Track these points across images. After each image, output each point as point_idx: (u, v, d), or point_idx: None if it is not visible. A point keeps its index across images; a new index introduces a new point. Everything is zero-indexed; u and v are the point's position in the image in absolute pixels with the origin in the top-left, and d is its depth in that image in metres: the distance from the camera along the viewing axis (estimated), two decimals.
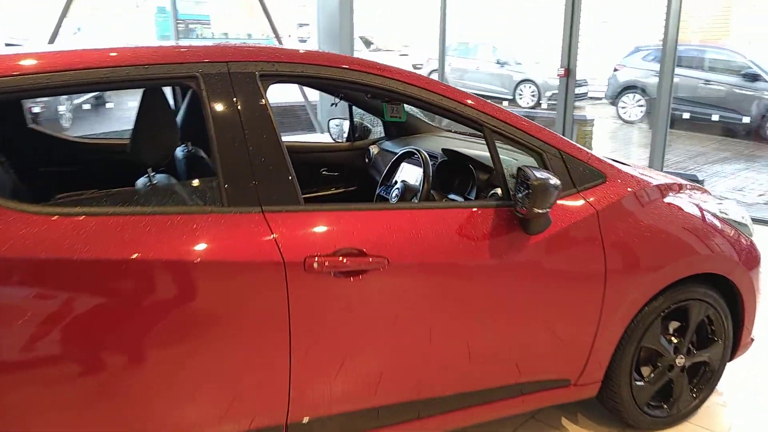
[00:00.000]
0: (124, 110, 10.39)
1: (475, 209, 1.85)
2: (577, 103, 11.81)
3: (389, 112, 2.43)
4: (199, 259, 1.50)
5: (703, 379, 2.36)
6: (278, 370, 1.63)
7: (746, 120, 9.27)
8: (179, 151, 2.44)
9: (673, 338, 2.24)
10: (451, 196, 2.35)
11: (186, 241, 1.50)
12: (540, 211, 1.73)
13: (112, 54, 1.58)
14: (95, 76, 1.53)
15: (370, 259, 1.65)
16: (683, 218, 2.15)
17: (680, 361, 2.25)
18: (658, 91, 5.65)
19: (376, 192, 2.59)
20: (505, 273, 1.87)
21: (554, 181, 1.72)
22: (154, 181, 1.84)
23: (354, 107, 3.16)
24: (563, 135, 2.02)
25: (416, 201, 2.23)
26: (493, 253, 1.83)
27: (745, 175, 7.52)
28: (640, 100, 10.98)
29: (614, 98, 11.36)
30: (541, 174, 1.73)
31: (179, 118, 2.49)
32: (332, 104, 2.90)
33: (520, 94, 12.39)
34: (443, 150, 2.47)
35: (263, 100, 1.67)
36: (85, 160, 2.66)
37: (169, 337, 1.51)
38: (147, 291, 1.48)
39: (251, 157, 1.62)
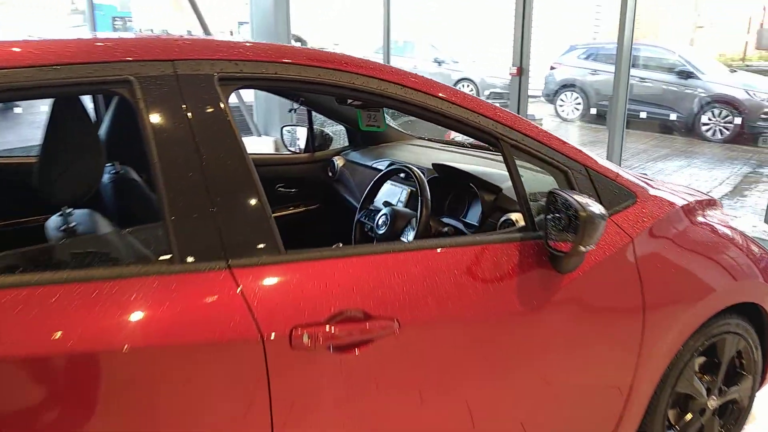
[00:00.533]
0: (35, 114, 9.39)
1: (496, 244, 1.47)
2: None
3: (365, 120, 2.01)
4: (141, 345, 1.05)
5: (732, 418, 2.09)
6: None
7: (681, 117, 9.44)
8: (105, 177, 1.94)
9: (705, 378, 1.95)
10: (445, 220, 1.97)
11: (120, 320, 1.04)
12: (587, 248, 1.37)
13: (5, 51, 1.10)
14: None
15: (377, 324, 1.24)
16: (718, 242, 1.86)
17: (712, 403, 1.96)
18: (614, 91, 5.50)
19: (356, 218, 2.16)
20: (534, 321, 1.50)
21: (600, 209, 1.37)
22: (72, 224, 1.35)
23: (314, 112, 2.72)
24: (578, 147, 1.68)
25: (412, 232, 1.83)
26: (521, 299, 1.46)
27: (688, 172, 7.57)
28: (577, 98, 11.04)
29: (552, 96, 11.38)
30: (585, 201, 1.37)
31: (103, 131, 1.98)
32: (290, 110, 2.45)
33: None
34: (434, 165, 2.08)
35: (225, 112, 1.22)
36: None
37: None
38: (63, 396, 1.02)
39: (211, 191, 1.17)
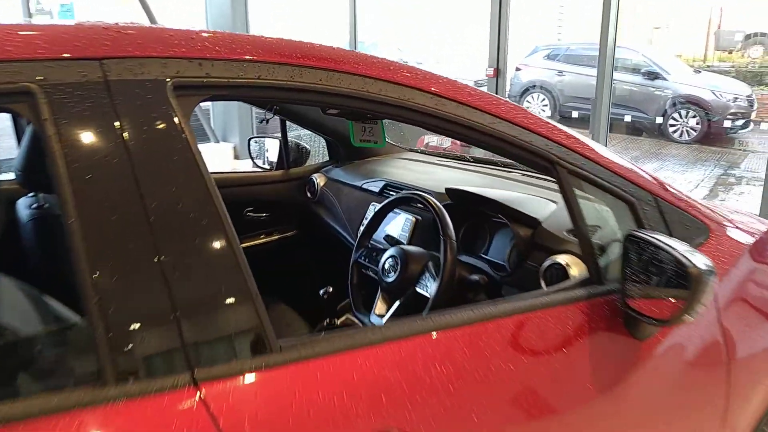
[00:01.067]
0: None
1: (561, 306, 1.09)
2: None
3: (359, 134, 1.60)
4: None
5: None
6: None
7: (649, 118, 9.35)
8: (23, 208, 1.49)
9: None
10: (467, 260, 1.58)
11: None
12: (693, 317, 1.01)
13: None
14: None
15: None
16: None
17: None
18: (597, 95, 5.25)
19: (353, 258, 1.73)
20: (611, 403, 1.14)
21: (707, 261, 1.01)
22: None
23: (289, 123, 2.30)
24: (644, 171, 1.32)
25: (431, 280, 1.43)
26: (596, 381, 1.09)
27: (662, 175, 7.42)
28: (543, 99, 10.89)
29: (518, 98, 11.20)
30: (683, 248, 1.01)
31: (20, 152, 1.52)
32: (261, 120, 2.03)
33: None
34: (447, 190, 1.68)
35: (184, 138, 0.81)
36: None
37: None
38: None
39: (164, 260, 0.76)
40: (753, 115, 8.87)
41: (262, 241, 2.25)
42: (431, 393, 0.88)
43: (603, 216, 1.28)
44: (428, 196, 1.50)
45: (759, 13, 11.08)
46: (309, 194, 2.31)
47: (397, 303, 1.44)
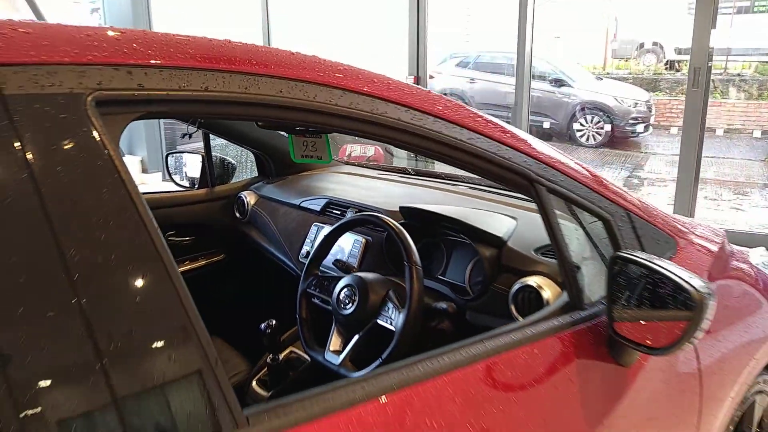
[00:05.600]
0: None
1: (542, 339, 0.99)
2: None
3: (300, 150, 1.43)
4: None
5: None
6: None
7: (557, 123, 9.72)
8: None
9: None
10: (429, 285, 1.45)
11: None
12: (693, 343, 0.93)
13: None
14: None
15: None
16: (754, 291, 1.53)
17: None
18: (516, 102, 5.34)
19: (300, 288, 1.52)
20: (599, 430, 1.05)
21: (706, 284, 0.94)
22: None
23: (212, 135, 2.09)
24: (617, 187, 1.25)
25: (395, 311, 1.28)
26: (586, 414, 1.00)
27: None
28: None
29: None
30: (683, 273, 0.93)
31: None
32: (184, 135, 1.81)
33: None
34: (402, 209, 1.54)
35: (114, 166, 0.62)
36: None
37: None
38: None
39: (92, 317, 0.57)
40: (652, 119, 9.44)
41: (187, 268, 2.02)
42: None
43: (572, 234, 1.20)
44: (386, 218, 1.36)
45: (651, 23, 11.84)
46: (238, 214, 2.11)
47: (356, 337, 1.29)
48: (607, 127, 9.37)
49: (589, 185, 1.13)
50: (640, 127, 9.29)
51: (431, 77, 11.77)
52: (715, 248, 1.43)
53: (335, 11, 6.50)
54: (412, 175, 2.04)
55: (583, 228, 1.16)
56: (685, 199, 4.42)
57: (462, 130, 0.94)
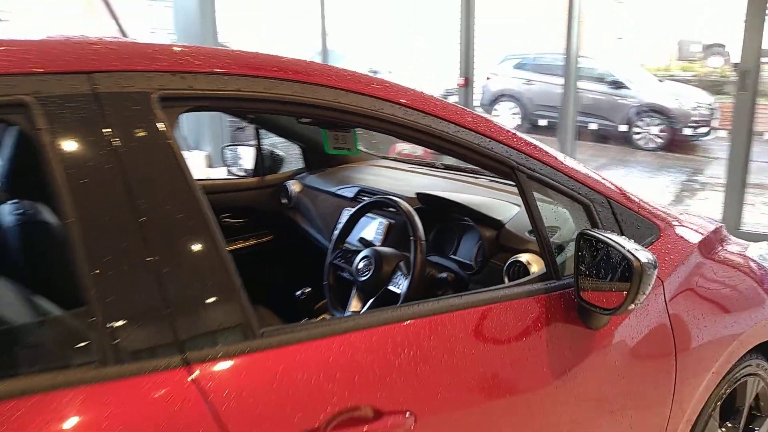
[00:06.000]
0: None
1: (521, 299, 1.18)
2: None
3: (332, 143, 1.68)
4: None
5: None
6: None
7: (614, 126, 9.61)
8: (6, 214, 1.52)
9: (727, 427, 1.73)
10: (436, 260, 1.66)
11: None
12: (637, 305, 1.10)
13: None
14: None
15: (389, 422, 0.93)
16: (741, 278, 1.65)
17: None
18: (563, 102, 5.42)
19: (328, 260, 1.81)
20: (567, 387, 1.23)
21: (650, 256, 1.11)
22: None
23: (262, 130, 2.36)
24: (598, 176, 1.42)
25: (403, 278, 1.51)
26: (553, 367, 1.19)
27: (628, 181, 7.63)
28: (513, 108, 11.08)
29: (489, 106, 11.38)
30: (629, 244, 1.11)
31: (2, 158, 1.56)
32: (237, 129, 2.08)
33: None
34: (419, 195, 1.77)
35: (171, 146, 0.88)
36: None
37: None
38: None
39: (155, 256, 0.83)
40: (715, 123, 9.18)
41: (238, 246, 2.30)
42: (400, 374, 0.96)
43: (562, 217, 1.38)
44: (399, 200, 1.59)
45: (717, 24, 11.48)
46: (284, 200, 2.37)
47: (370, 301, 1.52)
48: (667, 131, 9.20)
49: (568, 173, 1.31)
50: (701, 131, 9.07)
51: (488, 78, 11.85)
52: (700, 237, 1.57)
53: (393, 16, 6.74)
54: (439, 168, 2.25)
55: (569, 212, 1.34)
56: (734, 204, 4.39)
57: (448, 124, 1.15)
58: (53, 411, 0.72)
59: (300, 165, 2.51)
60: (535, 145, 1.29)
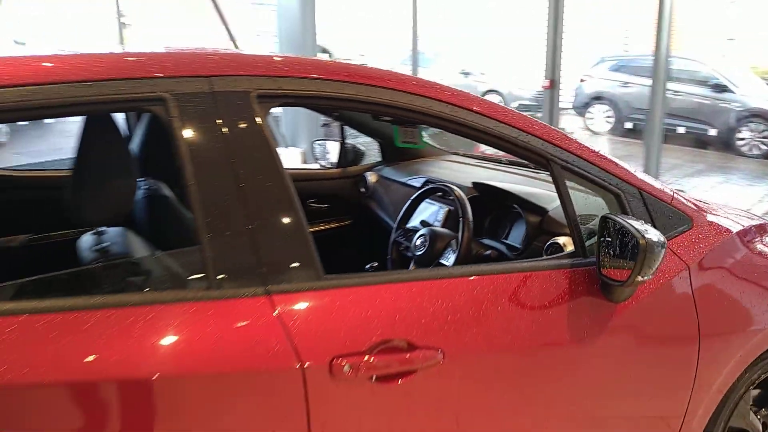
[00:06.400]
0: (65, 122, 9.55)
1: (547, 271, 1.39)
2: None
3: (402, 137, 1.95)
4: (179, 373, 0.99)
5: None
6: None
7: (717, 131, 9.21)
8: (138, 194, 1.90)
9: (761, 412, 1.83)
10: (486, 242, 1.88)
11: (157, 347, 0.99)
12: (645, 278, 1.28)
13: (35, 66, 1.06)
14: (7, 98, 1.00)
15: (421, 354, 1.17)
16: None
17: None
18: (651, 105, 5.37)
19: (392, 238, 2.09)
20: (583, 353, 1.41)
21: (660, 237, 1.28)
22: (105, 243, 1.31)
23: (345, 126, 2.67)
24: (631, 168, 1.59)
25: (452, 254, 1.75)
26: (571, 330, 1.38)
27: (724, 188, 7.35)
28: (607, 110, 10.85)
29: (582, 109, 11.21)
30: (643, 227, 1.28)
31: (134, 145, 1.95)
32: (324, 124, 2.40)
33: None
34: (474, 184, 2.00)
35: (263, 131, 1.17)
36: (13, 199, 2.08)
37: None
38: (104, 422, 0.96)
39: (249, 213, 1.12)
40: None
41: (321, 228, 2.62)
42: (433, 319, 1.20)
43: (598, 206, 1.56)
44: (454, 187, 1.83)
45: None
46: (362, 190, 2.66)
47: None
48: None
49: (600, 165, 1.49)
50: None
51: (582, 80, 11.66)
52: (737, 228, 1.69)
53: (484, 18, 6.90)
54: (502, 163, 2.46)
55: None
56: None
57: (490, 120, 1.37)
58: (176, 315, 1.03)
59: (378, 158, 2.79)
60: (569, 138, 1.48)
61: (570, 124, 10.83)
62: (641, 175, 1.59)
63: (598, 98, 11.07)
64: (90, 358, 0.95)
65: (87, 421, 0.97)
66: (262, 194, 1.15)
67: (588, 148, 1.51)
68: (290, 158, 7.32)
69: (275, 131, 8.23)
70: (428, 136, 2.90)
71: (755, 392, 1.84)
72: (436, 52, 12.91)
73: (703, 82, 9.59)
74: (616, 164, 1.54)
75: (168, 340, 1.01)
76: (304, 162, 7.51)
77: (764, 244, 1.77)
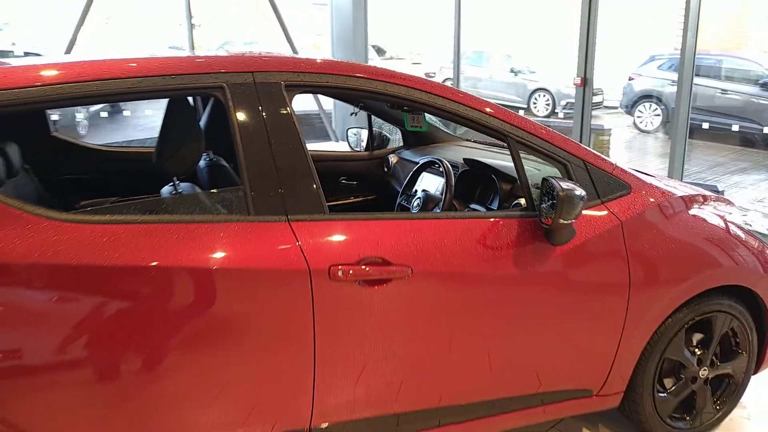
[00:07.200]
0: (139, 118, 10.50)
1: (498, 219, 1.84)
2: (593, 113, 11.67)
3: (410, 122, 2.43)
4: (225, 267, 1.51)
5: (727, 392, 2.32)
6: (303, 376, 1.63)
7: (765, 130, 9.17)
8: (201, 161, 2.46)
9: (696, 350, 2.21)
10: (473, 206, 2.34)
11: (212, 248, 1.51)
12: (565, 221, 1.72)
13: (137, 64, 1.60)
14: (121, 86, 1.55)
15: (394, 268, 1.65)
16: (707, 230, 2.13)
17: (704, 373, 2.22)
18: (677, 101, 5.61)
19: (397, 201, 2.59)
20: (528, 283, 1.86)
21: (580, 191, 1.72)
22: (179, 190, 1.85)
23: (373, 116, 3.17)
24: (580, 144, 2.01)
25: (438, 211, 2.23)
26: (516, 264, 1.82)
27: (765, 186, 7.43)
28: (656, 109, 10.90)
29: (630, 107, 11.30)
30: (566, 185, 1.72)
31: (201, 123, 2.51)
32: (352, 113, 2.91)
33: (535, 103, 12.38)
34: (464, 160, 2.46)
35: (288, 110, 1.68)
36: (108, 168, 2.68)
37: (196, 343, 1.52)
38: (174, 298, 1.49)
39: (277, 167, 1.63)
40: None
41: (350, 201, 3.13)
42: (405, 245, 1.68)
43: (550, 173, 1.99)
44: (444, 161, 2.30)
45: None
46: (385, 169, 3.16)
47: None
48: None
49: (550, 140, 1.92)
50: None
51: (631, 79, 11.73)
52: (673, 195, 2.09)
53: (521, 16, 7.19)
54: (502, 148, 2.89)
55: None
56: None
57: (459, 105, 1.83)
58: (228, 229, 1.54)
59: (400, 144, 3.27)
60: (526, 120, 1.93)
61: (617, 122, 10.94)
62: (588, 150, 2.01)
63: (647, 97, 11.12)
64: (171, 251, 1.48)
65: (163, 292, 1.49)
66: (287, 155, 1.65)
67: (541, 127, 1.95)
68: (339, 149, 7.91)
69: (327, 127, 8.88)
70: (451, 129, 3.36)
71: (698, 336, 2.22)
72: (488, 52, 13.24)
73: (753, 81, 9.57)
74: (566, 140, 1.97)
75: (221, 244, 1.53)
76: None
77: (695, 211, 2.16)
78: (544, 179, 1.81)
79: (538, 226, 1.85)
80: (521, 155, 1.91)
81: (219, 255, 1.52)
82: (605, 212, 1.95)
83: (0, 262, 1.34)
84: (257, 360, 1.58)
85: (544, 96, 12.42)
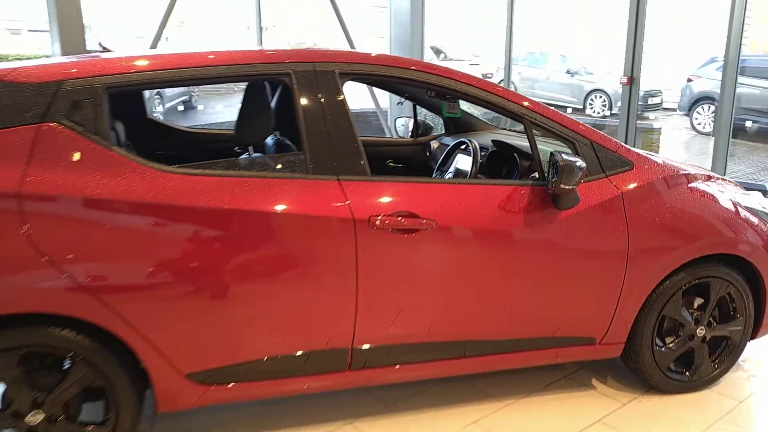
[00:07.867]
0: (209, 113, 11.29)
1: (513, 186, 2.20)
2: (650, 113, 11.59)
3: (447, 109, 2.81)
4: (288, 212, 1.95)
5: (725, 352, 2.59)
6: (348, 304, 2.05)
7: None
8: (269, 140, 2.92)
9: (695, 312, 2.49)
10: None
11: (280, 198, 1.95)
12: (566, 187, 2.07)
13: (225, 56, 2.06)
14: (213, 72, 2.01)
15: (422, 221, 2.05)
16: (705, 202, 2.42)
17: (701, 332, 2.50)
18: (720, 99, 5.74)
19: (433, 176, 2.98)
20: (537, 241, 2.22)
21: (580, 163, 2.06)
22: (254, 156, 2.31)
23: (418, 107, 3.56)
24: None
25: None
26: (527, 224, 2.19)
27: None
28: (714, 111, 10.79)
29: (688, 109, 11.21)
30: (568, 157, 2.07)
31: (272, 104, 2.96)
32: (398, 103, 3.32)
33: (591, 104, 12.43)
34: (492, 141, 2.83)
35: (341, 95, 2.10)
36: (193, 146, 3.19)
37: (266, 274, 1.97)
38: (251, 236, 1.94)
39: (331, 139, 2.05)
40: None
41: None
42: (432, 203, 2.07)
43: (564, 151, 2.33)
44: (472, 140, 2.67)
45: None
46: (427, 154, 3.54)
47: None
48: None
49: (560, 122, 2.27)
50: None
51: (689, 80, 11.64)
52: (672, 173, 2.39)
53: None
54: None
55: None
56: None
57: (482, 91, 2.21)
58: (291, 185, 1.97)
59: (442, 131, 3.66)
60: (538, 103, 2.28)
61: (674, 124, 10.90)
62: (595, 131, 2.34)
63: (705, 98, 11.01)
64: (247, 198, 1.92)
65: (240, 229, 1.93)
66: (339, 130, 2.07)
67: (553, 110, 2.30)
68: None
69: (383, 123, 9.33)
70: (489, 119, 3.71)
71: (699, 301, 2.51)
72: (546, 53, 13.38)
73: None
74: (574, 122, 2.32)
75: (286, 195, 1.96)
76: None
77: (695, 185, 2.45)
78: (551, 153, 2.16)
79: (547, 194, 2.20)
80: (535, 135, 2.26)
81: (283, 203, 1.95)
82: (608, 184, 2.28)
83: (124, 200, 1.82)
84: (314, 290, 2.01)
85: (601, 97, 12.44)
